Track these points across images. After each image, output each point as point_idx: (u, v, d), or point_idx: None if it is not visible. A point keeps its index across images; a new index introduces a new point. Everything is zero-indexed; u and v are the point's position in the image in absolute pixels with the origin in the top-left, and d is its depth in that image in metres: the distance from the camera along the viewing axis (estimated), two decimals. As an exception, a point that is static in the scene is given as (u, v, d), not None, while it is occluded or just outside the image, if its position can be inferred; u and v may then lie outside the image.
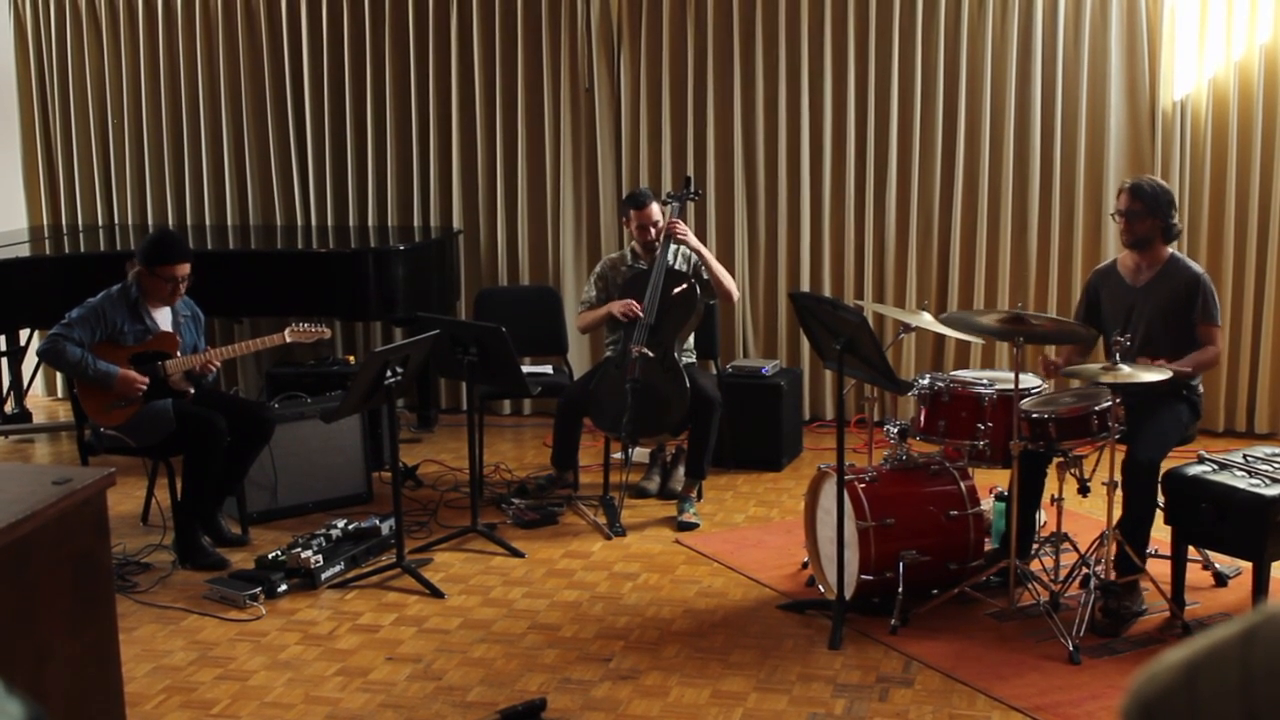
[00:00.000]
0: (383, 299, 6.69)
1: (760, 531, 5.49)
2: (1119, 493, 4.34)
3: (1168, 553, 4.46)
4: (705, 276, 5.88)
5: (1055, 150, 6.74)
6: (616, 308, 5.79)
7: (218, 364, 5.35)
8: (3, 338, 7.45)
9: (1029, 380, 4.65)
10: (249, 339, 5.86)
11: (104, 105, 7.92)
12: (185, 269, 5.14)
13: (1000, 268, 6.89)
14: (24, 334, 7.50)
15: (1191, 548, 4.50)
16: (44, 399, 8.21)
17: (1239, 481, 4.19)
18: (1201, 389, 4.74)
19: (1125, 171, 6.50)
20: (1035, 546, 4.70)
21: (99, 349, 5.07)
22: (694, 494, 5.77)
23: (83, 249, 7.41)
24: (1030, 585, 4.44)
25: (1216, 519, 4.19)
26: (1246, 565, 4.43)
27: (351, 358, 7.12)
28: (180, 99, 7.80)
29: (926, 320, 4.92)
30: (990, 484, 5.22)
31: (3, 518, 2.81)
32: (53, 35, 7.92)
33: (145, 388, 5.09)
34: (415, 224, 7.59)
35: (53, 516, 2.96)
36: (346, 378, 5.99)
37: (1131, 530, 4.38)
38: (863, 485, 4.46)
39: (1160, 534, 4.57)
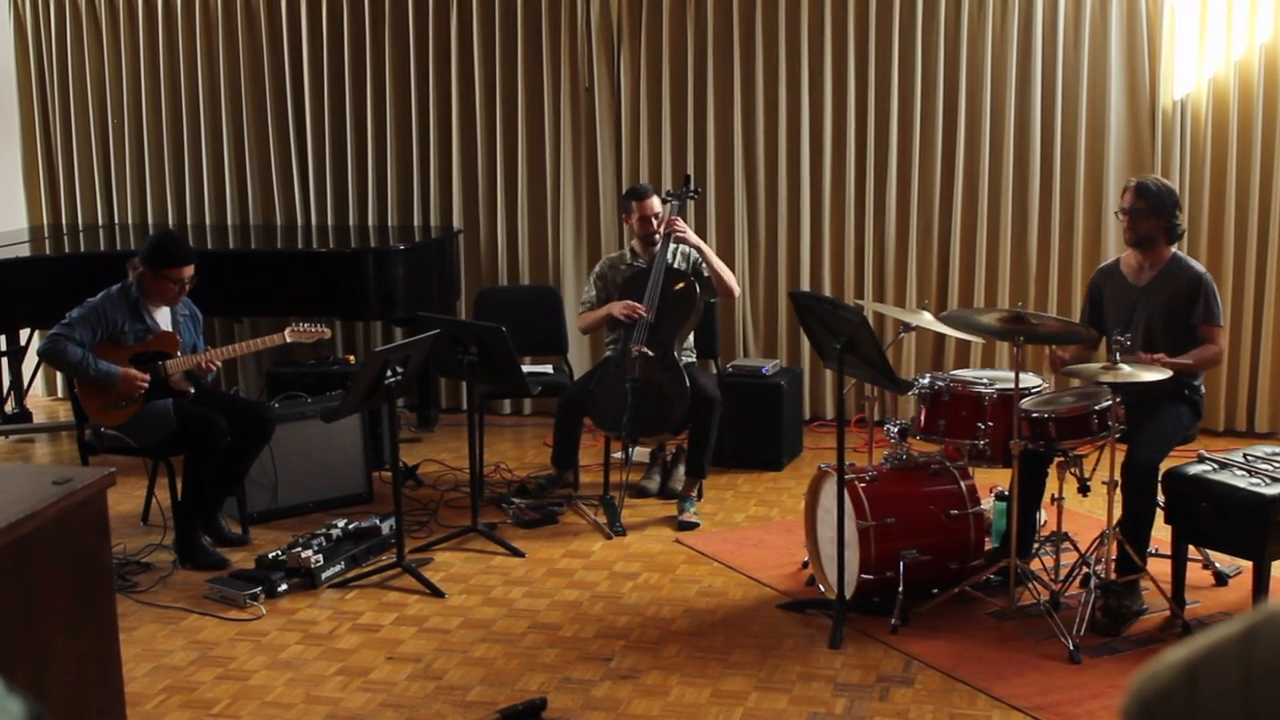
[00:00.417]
0: (383, 298, 6.69)
1: (760, 531, 5.49)
2: (1119, 492, 4.34)
3: (1168, 552, 4.46)
4: (706, 274, 5.88)
5: (1055, 149, 6.74)
6: (617, 309, 5.79)
7: (218, 364, 5.35)
8: (3, 337, 7.44)
9: (1029, 380, 4.65)
10: (249, 339, 5.86)
11: (104, 105, 7.92)
12: (190, 270, 5.15)
13: (1000, 267, 6.89)
14: (24, 334, 7.50)
15: (1192, 547, 4.50)
16: (44, 399, 8.21)
17: (1239, 481, 4.19)
18: (1203, 389, 4.74)
19: (1125, 171, 6.50)
20: (1035, 546, 4.70)
21: (99, 349, 5.07)
22: (694, 493, 5.77)
23: (83, 249, 7.41)
24: (1030, 585, 4.44)
25: (1217, 518, 4.19)
26: (1247, 564, 4.43)
27: (351, 357, 7.11)
28: (180, 98, 7.80)
29: (926, 320, 4.92)
30: (990, 483, 5.22)
31: (3, 517, 2.81)
32: (53, 35, 7.92)
33: (146, 387, 5.09)
34: (415, 223, 7.59)
35: (53, 516, 2.96)
36: (346, 377, 5.99)
37: (1132, 530, 4.38)
38: (863, 485, 4.46)
39: (1160, 533, 4.57)
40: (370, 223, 7.64)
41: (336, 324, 7.39)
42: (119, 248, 7.34)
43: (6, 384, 7.53)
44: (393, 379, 4.90)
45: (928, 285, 7.00)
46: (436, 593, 4.80)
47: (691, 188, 6.07)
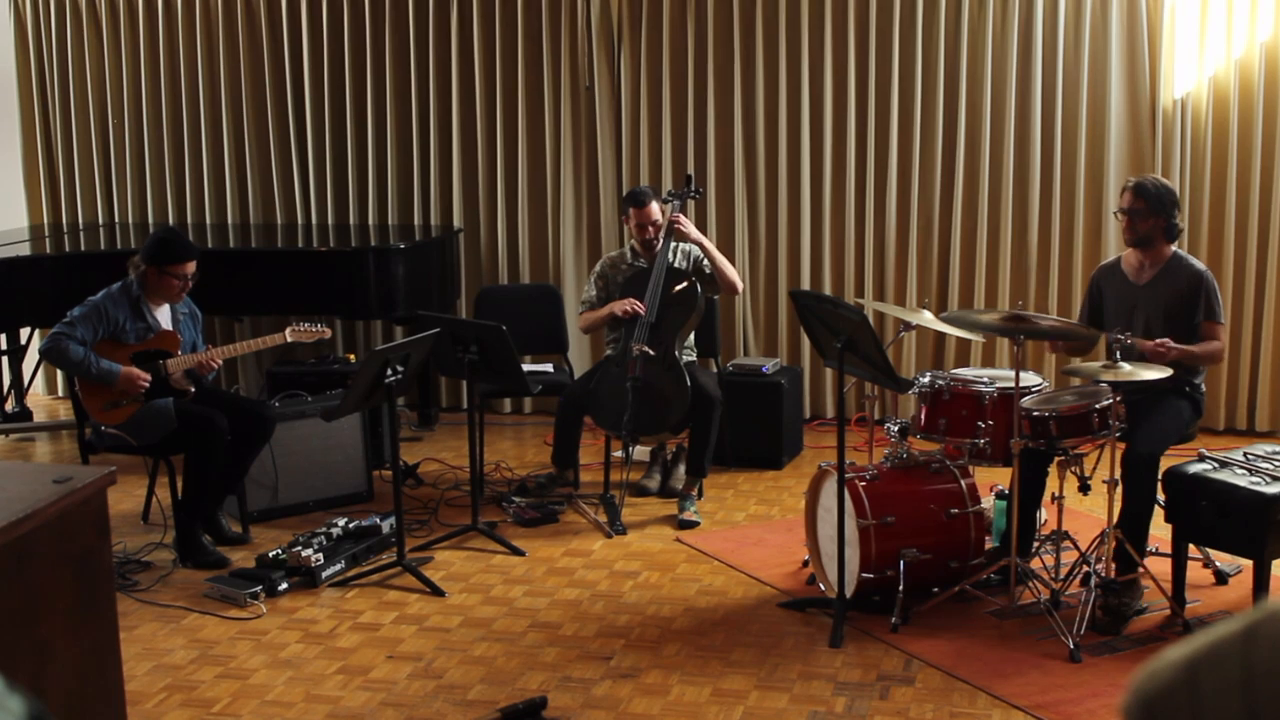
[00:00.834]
0: (383, 297, 6.68)
1: (761, 530, 5.49)
2: (1119, 491, 4.34)
3: (1168, 550, 4.46)
4: (709, 272, 5.88)
5: (1055, 148, 6.74)
6: (618, 307, 5.79)
7: (218, 363, 5.35)
8: (3, 336, 7.45)
9: (1030, 378, 4.65)
10: (249, 338, 5.86)
11: (104, 104, 7.92)
12: (193, 267, 5.16)
13: (1001, 266, 6.89)
14: (24, 333, 7.50)
15: (1192, 545, 4.50)
16: (44, 398, 8.22)
17: (1239, 479, 4.19)
18: (1204, 387, 4.74)
19: (1126, 170, 6.50)
20: (1036, 545, 4.70)
21: (101, 347, 5.07)
22: (695, 492, 5.77)
23: (83, 247, 7.41)
24: (1031, 583, 4.44)
25: (1217, 517, 4.19)
26: (1247, 563, 4.43)
27: (352, 356, 7.12)
28: (180, 97, 7.80)
29: (927, 318, 4.92)
30: (991, 482, 5.22)
31: (3, 516, 2.81)
32: (53, 34, 7.92)
33: (147, 386, 5.09)
34: (416, 222, 7.59)
35: (53, 515, 2.96)
36: (347, 376, 5.99)
37: (1131, 523, 4.38)
38: (863, 483, 4.46)
39: (1161, 532, 4.58)
40: (371, 221, 7.64)
41: (337, 323, 7.40)
42: (119, 246, 7.34)
43: (7, 383, 7.54)
44: (393, 378, 4.90)
45: (928, 284, 7.00)
46: (437, 592, 4.80)
47: (693, 187, 6.06)
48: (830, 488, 4.53)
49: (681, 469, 5.97)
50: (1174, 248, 4.70)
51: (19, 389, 7.56)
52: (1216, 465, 4.32)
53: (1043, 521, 4.85)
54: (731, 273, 5.91)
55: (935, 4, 6.77)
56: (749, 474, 6.27)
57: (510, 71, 7.34)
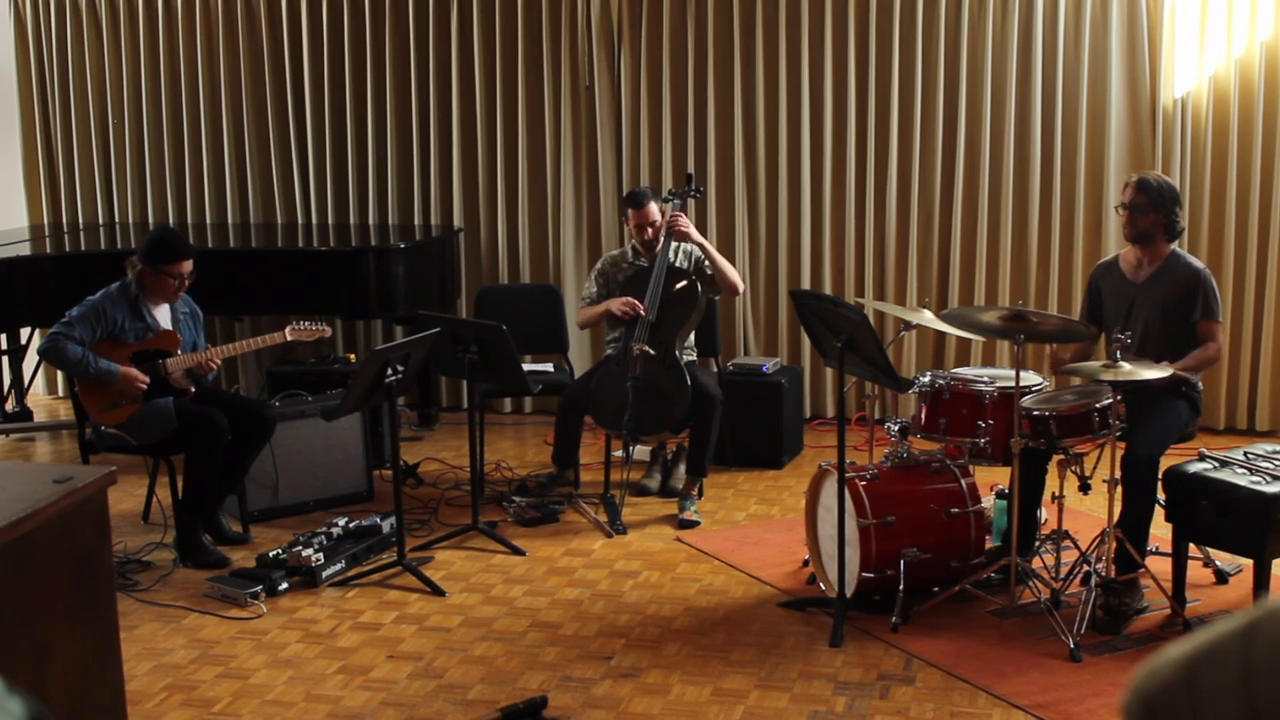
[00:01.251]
0: (383, 297, 6.68)
1: (761, 529, 5.48)
2: (1119, 491, 4.34)
3: (1169, 550, 4.46)
4: (710, 272, 5.88)
5: (1056, 148, 6.74)
6: (616, 305, 5.79)
7: (218, 362, 5.35)
8: (3, 336, 7.45)
9: (1030, 378, 4.65)
10: (249, 337, 5.86)
11: (104, 103, 7.92)
12: (189, 266, 5.15)
13: (1001, 265, 6.89)
14: (24, 332, 7.50)
15: (1192, 545, 4.50)
16: (45, 397, 8.22)
17: (1240, 479, 4.19)
18: (1201, 386, 4.74)
19: (1126, 169, 6.50)
20: (1036, 544, 4.69)
21: (100, 347, 5.07)
22: (695, 492, 5.77)
23: (83, 247, 7.41)
24: (1031, 583, 4.44)
25: (1217, 516, 4.19)
26: (1247, 562, 4.43)
27: (352, 356, 7.12)
28: (180, 97, 7.80)
29: (927, 318, 4.92)
30: (991, 481, 5.22)
31: (4, 516, 2.81)
32: (53, 33, 7.92)
33: (146, 386, 5.09)
34: (416, 222, 7.59)
35: (54, 515, 2.96)
36: (347, 376, 5.99)
37: (1131, 525, 4.38)
38: (864, 483, 4.46)
39: (1161, 531, 4.58)
40: (371, 221, 7.64)
41: (337, 322, 7.40)
42: (119, 246, 7.34)
43: (7, 382, 7.54)
44: (393, 377, 4.90)
45: (928, 283, 7.00)
46: (437, 591, 4.80)
47: (693, 187, 6.06)
48: (830, 487, 4.53)
49: (682, 468, 5.97)
50: (1173, 246, 4.70)
51: (19, 389, 7.56)
52: (1217, 465, 4.32)
53: (1043, 521, 4.85)
54: (732, 274, 5.91)
55: (935, 3, 6.76)
56: (749, 473, 6.26)
57: (510, 71, 7.34)
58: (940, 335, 6.77)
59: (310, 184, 7.70)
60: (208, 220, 7.83)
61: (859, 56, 6.91)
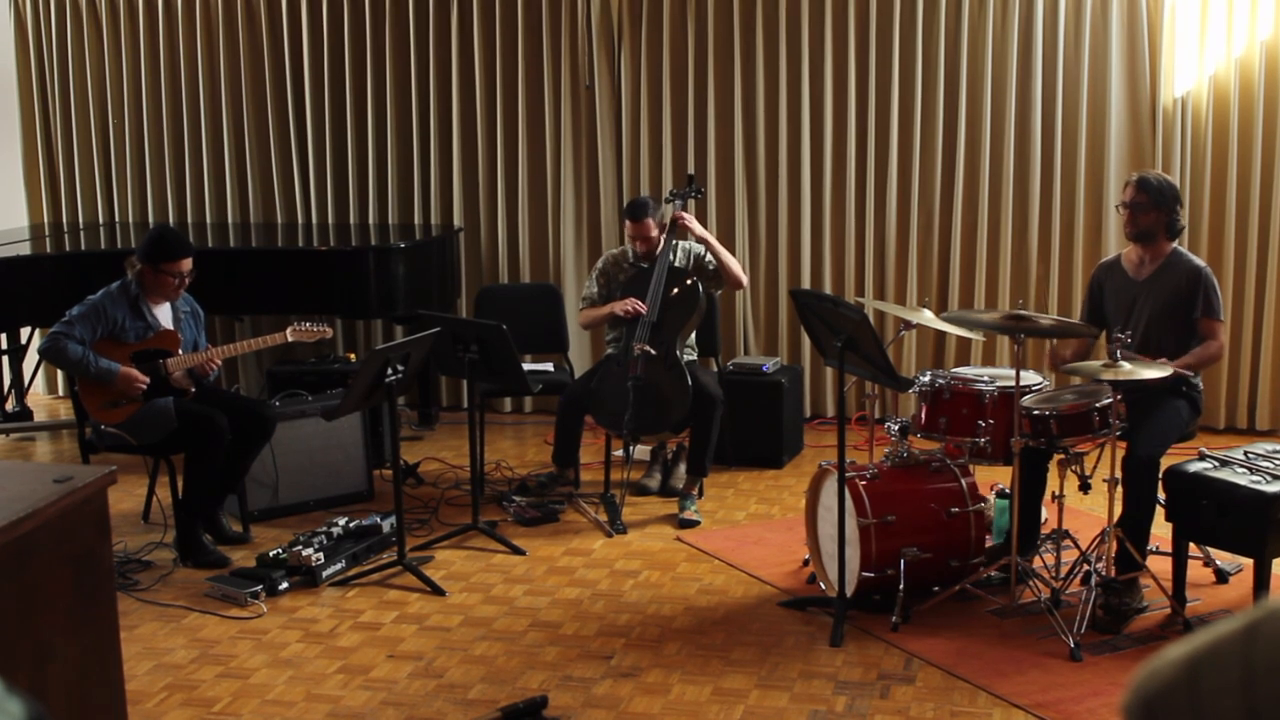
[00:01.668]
0: (383, 297, 6.69)
1: (761, 529, 5.48)
2: (1120, 489, 4.34)
3: (1169, 549, 4.46)
4: (712, 269, 5.88)
5: (1056, 147, 6.74)
6: (619, 307, 5.79)
7: (219, 362, 5.35)
8: (3, 336, 7.45)
9: (1030, 377, 4.65)
10: (250, 337, 5.86)
11: (104, 103, 7.92)
12: (189, 264, 5.15)
13: (1001, 265, 6.89)
14: (25, 332, 7.50)
15: (1192, 544, 4.50)
16: (45, 397, 8.22)
17: (1240, 478, 4.19)
18: (1201, 385, 4.74)
19: (1126, 168, 6.50)
20: (1036, 544, 4.69)
21: (100, 346, 5.07)
22: (695, 491, 5.77)
23: (83, 247, 7.42)
24: (1031, 582, 4.44)
25: (1217, 516, 4.19)
26: (1247, 562, 4.43)
27: (352, 355, 7.12)
28: (180, 97, 7.80)
29: (927, 317, 4.92)
30: (991, 481, 5.22)
31: (4, 516, 2.81)
32: (53, 33, 7.92)
33: (146, 386, 5.09)
34: (416, 221, 7.59)
35: (54, 515, 2.95)
36: (347, 375, 5.99)
37: (1132, 526, 4.38)
38: (864, 482, 4.46)
39: (1161, 530, 4.57)
40: (371, 221, 7.64)
41: (337, 322, 7.39)
42: (119, 246, 7.34)
43: (7, 382, 7.54)
44: (393, 377, 4.90)
45: (928, 283, 7.00)
46: (437, 591, 4.80)
47: (694, 187, 6.07)
48: (831, 486, 4.53)
49: (682, 468, 5.97)
50: (1174, 244, 4.71)
51: (19, 388, 7.56)
52: (1217, 464, 4.32)
53: (1043, 520, 4.85)
54: (736, 268, 5.92)
55: (935, 3, 6.76)
56: (749, 473, 6.26)
57: (510, 71, 7.34)
58: (940, 335, 6.77)
59: (310, 183, 7.70)
60: (208, 220, 7.83)
61: (859, 56, 6.91)
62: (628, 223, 5.90)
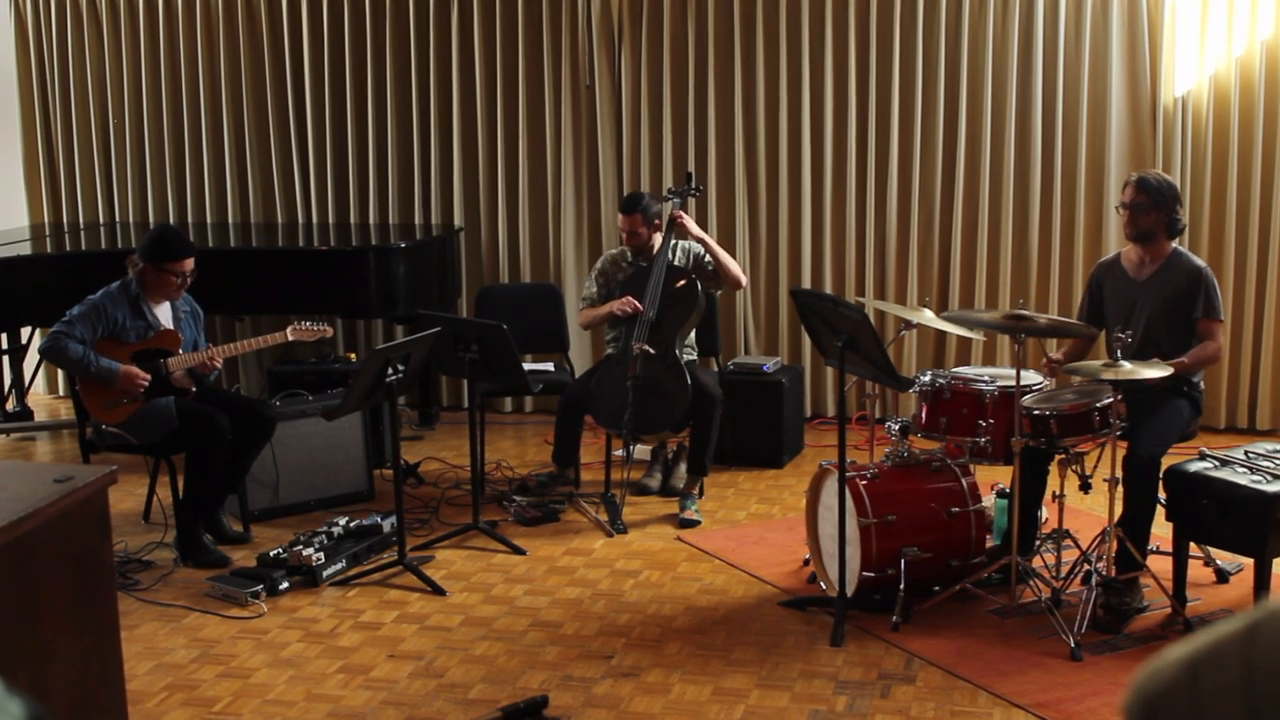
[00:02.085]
0: (384, 296, 6.69)
1: (762, 528, 5.48)
2: (1120, 489, 4.34)
3: (1169, 549, 4.46)
4: (711, 269, 5.87)
5: (1056, 147, 6.74)
6: (617, 306, 5.79)
7: (220, 362, 5.35)
8: (4, 336, 7.45)
9: (1030, 377, 4.65)
10: (250, 337, 5.86)
11: (105, 103, 7.92)
12: (191, 264, 5.16)
13: (1001, 265, 6.89)
14: (25, 332, 7.50)
15: (1193, 544, 4.50)
16: (45, 397, 8.22)
17: (1240, 478, 4.19)
18: (1202, 385, 4.74)
19: (1127, 168, 6.49)
20: (1037, 543, 4.70)
21: (101, 346, 5.07)
22: (695, 491, 5.77)
23: (84, 247, 7.42)
24: (1032, 582, 4.44)
25: (1218, 515, 4.19)
26: (1248, 561, 4.43)
27: (353, 355, 7.12)
28: (181, 96, 7.80)
29: (928, 317, 4.92)
30: (992, 481, 5.22)
31: (4, 516, 2.81)
32: (53, 32, 7.92)
33: (147, 385, 5.09)
34: (416, 221, 7.59)
35: (54, 515, 2.95)
36: (348, 375, 5.99)
37: (1132, 526, 4.38)
38: (864, 482, 4.46)
39: (1161, 530, 4.57)
40: (371, 220, 7.64)
41: (338, 322, 7.39)
42: (120, 245, 7.34)
43: (8, 382, 7.54)
44: (394, 377, 4.90)
45: (929, 283, 6.99)
46: (438, 591, 4.80)
47: (693, 185, 6.06)
48: (831, 486, 4.53)
49: (682, 468, 5.97)
50: (1174, 244, 4.71)
51: (20, 388, 7.56)
52: (1217, 464, 4.32)
53: (1043, 520, 4.85)
54: (734, 268, 5.91)
55: (935, 3, 6.76)
56: (750, 473, 6.26)
57: (511, 70, 7.34)
58: (941, 334, 6.77)
59: (311, 183, 7.70)
60: (208, 219, 7.83)
61: (859, 55, 6.91)
62: (620, 216, 5.91)
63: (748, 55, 7.05)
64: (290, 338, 5.41)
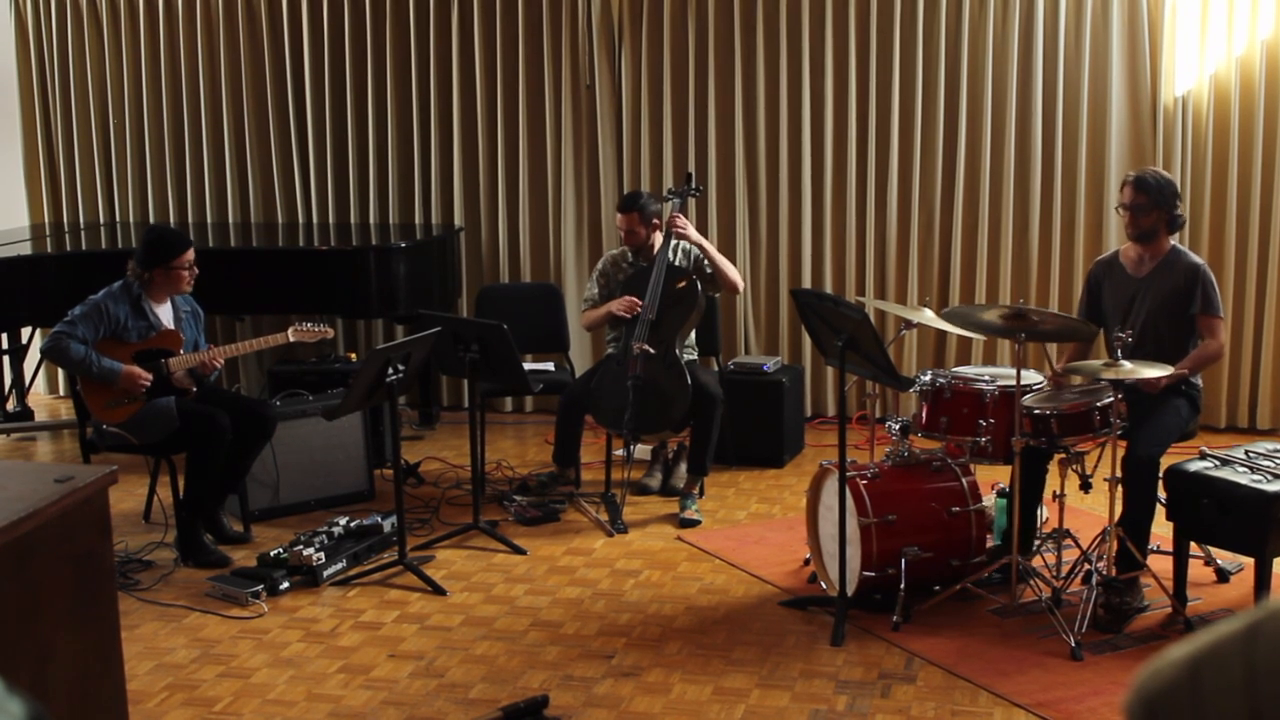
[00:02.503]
0: (384, 296, 6.69)
1: (762, 528, 5.48)
2: (1120, 489, 4.34)
3: (1170, 549, 4.46)
4: (709, 271, 5.87)
5: (1056, 146, 6.74)
6: (617, 306, 5.78)
7: (221, 362, 5.35)
8: (4, 336, 7.45)
9: (1031, 376, 4.65)
10: (250, 337, 5.86)
11: (105, 102, 7.92)
12: (192, 253, 5.19)
13: (1002, 264, 6.89)
14: (25, 332, 7.50)
15: (1193, 543, 4.50)
16: (46, 397, 8.22)
17: (1240, 477, 4.19)
18: (1201, 384, 4.74)
19: (1127, 167, 6.49)
20: (1037, 543, 4.70)
21: (103, 346, 5.07)
22: (696, 491, 5.77)
23: (84, 247, 7.42)
24: (1032, 581, 4.44)
25: (1218, 515, 4.19)
26: (1248, 561, 4.43)
27: (353, 355, 7.12)
28: (181, 96, 7.80)
29: (928, 317, 4.92)
30: (992, 480, 5.22)
31: (5, 516, 2.81)
32: (53, 32, 7.92)
33: (149, 385, 5.10)
34: (417, 221, 7.59)
35: (55, 515, 2.95)
36: (348, 375, 5.99)
37: (1132, 526, 4.38)
38: (864, 482, 4.46)
39: (1162, 530, 4.57)
40: (372, 220, 7.64)
41: (338, 322, 7.39)
42: (120, 245, 7.34)
43: (8, 382, 7.54)
44: (394, 377, 4.90)
45: (929, 282, 6.99)
46: (438, 590, 4.80)
47: (693, 185, 6.06)
48: (831, 486, 4.53)
49: (683, 467, 5.97)
50: (1174, 241, 4.71)
51: (20, 388, 7.56)
52: (1218, 463, 4.32)
53: (1044, 520, 4.85)
54: (732, 272, 5.91)
55: (936, 2, 6.76)
56: (750, 472, 6.26)
57: (511, 70, 7.34)
58: (941, 334, 6.77)
59: (311, 183, 7.70)
60: (208, 219, 7.83)
61: (859, 55, 6.91)
62: (617, 215, 5.91)
63: (748, 55, 7.05)
64: (291, 339, 5.41)
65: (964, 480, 4.53)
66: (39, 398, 8.08)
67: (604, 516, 5.60)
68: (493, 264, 7.54)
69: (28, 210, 8.15)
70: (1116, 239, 6.42)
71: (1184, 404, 4.61)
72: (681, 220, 5.83)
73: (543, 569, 5.05)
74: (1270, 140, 6.51)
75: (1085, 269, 6.38)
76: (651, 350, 5.65)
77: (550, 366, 6.52)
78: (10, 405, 7.53)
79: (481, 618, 4.58)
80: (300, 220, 7.74)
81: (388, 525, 5.27)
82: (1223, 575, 4.71)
